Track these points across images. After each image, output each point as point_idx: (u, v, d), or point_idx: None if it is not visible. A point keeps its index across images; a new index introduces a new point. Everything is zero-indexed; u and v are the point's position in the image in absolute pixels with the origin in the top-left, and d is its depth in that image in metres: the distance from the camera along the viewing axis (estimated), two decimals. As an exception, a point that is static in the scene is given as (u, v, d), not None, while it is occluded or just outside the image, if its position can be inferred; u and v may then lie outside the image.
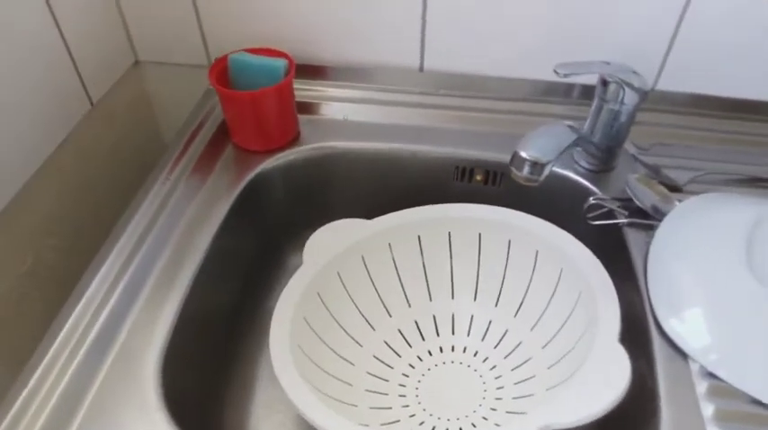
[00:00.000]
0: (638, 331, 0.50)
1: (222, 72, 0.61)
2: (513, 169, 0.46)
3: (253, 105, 0.60)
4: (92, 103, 0.66)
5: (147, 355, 0.46)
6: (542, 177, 0.45)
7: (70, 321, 0.48)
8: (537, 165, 0.44)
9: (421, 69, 0.69)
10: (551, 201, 0.62)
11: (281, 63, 0.59)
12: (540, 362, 0.55)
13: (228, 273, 0.60)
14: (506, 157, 0.63)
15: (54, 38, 0.60)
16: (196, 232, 0.55)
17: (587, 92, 0.69)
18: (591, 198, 0.56)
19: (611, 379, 0.43)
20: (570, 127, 0.48)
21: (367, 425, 0.51)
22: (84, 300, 0.49)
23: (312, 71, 0.71)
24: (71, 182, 0.65)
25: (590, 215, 0.56)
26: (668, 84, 0.67)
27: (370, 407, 0.54)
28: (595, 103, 0.58)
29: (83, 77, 0.64)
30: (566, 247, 0.55)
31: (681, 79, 0.66)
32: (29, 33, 0.56)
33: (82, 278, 0.51)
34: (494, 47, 0.67)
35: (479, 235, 0.60)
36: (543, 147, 0.45)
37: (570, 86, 0.69)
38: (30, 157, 0.58)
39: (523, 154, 0.45)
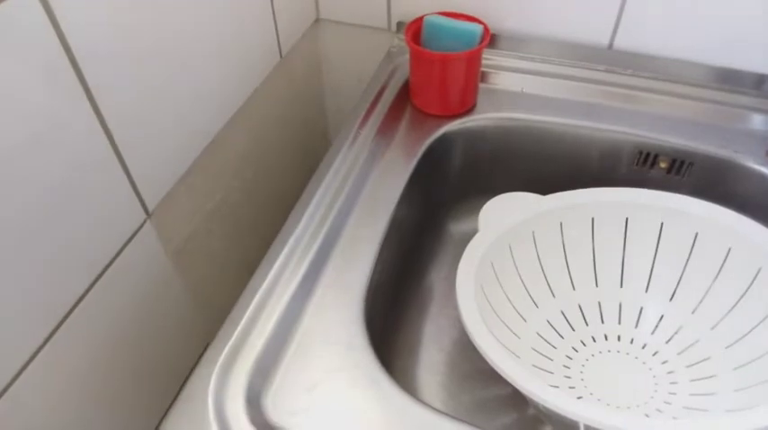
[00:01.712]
0: None
1: (416, 32, 0.61)
2: None
3: (443, 68, 0.60)
4: (281, 56, 0.69)
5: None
6: None
7: (274, 270, 0.50)
8: None
9: (610, 47, 0.67)
10: (739, 200, 0.58)
11: (476, 29, 0.59)
12: (722, 363, 0.52)
13: (402, 237, 0.61)
14: (696, 145, 0.61)
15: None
16: (381, 197, 0.57)
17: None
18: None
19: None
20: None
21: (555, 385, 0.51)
22: (281, 257, 0.51)
23: (493, 39, 0.69)
24: (256, 129, 0.68)
25: (797, 216, 0.52)
26: None
27: (533, 365, 0.54)
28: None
29: (278, 30, 0.67)
30: (763, 244, 0.51)
31: None
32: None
33: (278, 236, 0.52)
34: (694, 30, 0.63)
35: (661, 224, 0.58)
36: None
37: (762, 78, 0.64)
38: (229, 102, 0.61)
39: None
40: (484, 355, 0.45)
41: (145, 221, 0.51)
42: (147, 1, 0.46)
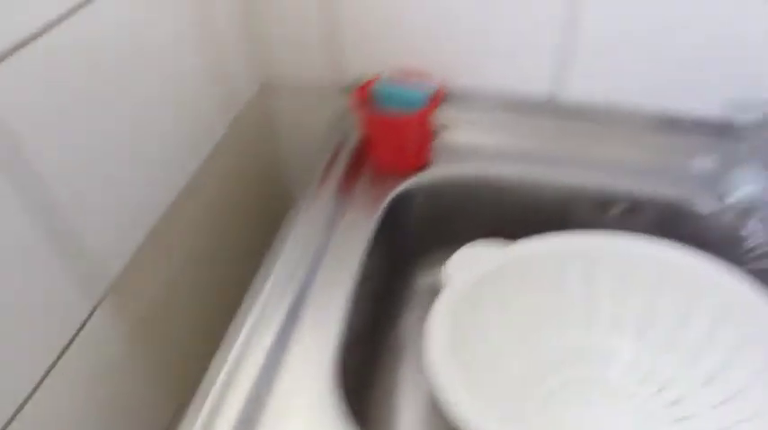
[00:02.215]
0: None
1: (366, 96, 0.61)
2: (715, 215, 0.44)
3: (397, 130, 0.60)
4: (227, 125, 0.67)
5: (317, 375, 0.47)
6: (745, 231, 0.43)
7: (242, 336, 0.49)
8: (743, 214, 0.42)
9: (555, 97, 0.69)
10: (694, 242, 0.60)
11: (426, 89, 0.59)
12: (700, 400, 0.52)
13: (368, 295, 0.60)
14: (647, 190, 0.63)
15: (197, 59, 0.61)
16: (346, 257, 0.56)
17: (722, 126, 0.66)
18: (750, 239, 0.53)
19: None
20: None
21: None
22: (247, 325, 0.50)
23: (444, 94, 0.70)
24: (210, 198, 0.66)
25: (750, 256, 0.54)
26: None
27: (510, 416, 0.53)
28: (752, 141, 0.56)
29: (222, 100, 0.65)
30: (727, 283, 0.52)
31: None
32: (175, 56, 0.58)
33: (243, 302, 0.51)
34: (632, 75, 0.66)
35: (626, 267, 0.58)
36: (751, 194, 0.42)
37: (705, 119, 0.67)
38: (176, 177, 0.59)
39: (731, 200, 0.43)
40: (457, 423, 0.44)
41: (97, 306, 0.48)
42: (83, 86, 0.44)
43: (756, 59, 0.62)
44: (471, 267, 0.57)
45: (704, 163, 0.58)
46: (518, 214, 0.66)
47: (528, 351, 0.58)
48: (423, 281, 0.70)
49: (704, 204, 0.60)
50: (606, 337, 0.59)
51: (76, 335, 0.46)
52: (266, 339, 0.49)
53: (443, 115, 0.70)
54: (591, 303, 0.59)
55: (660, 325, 0.57)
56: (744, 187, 0.43)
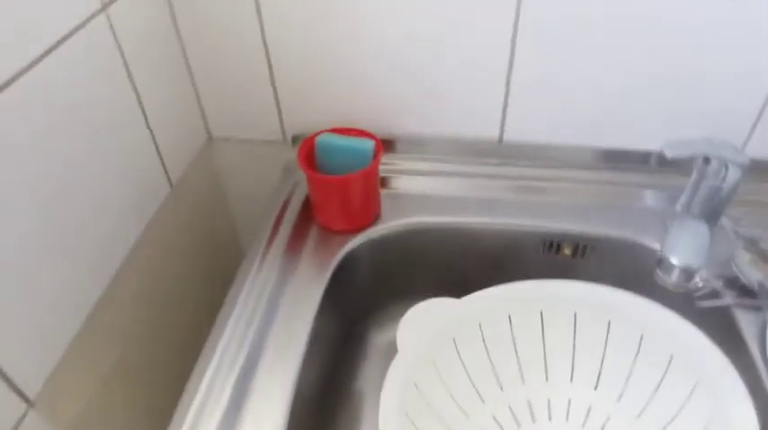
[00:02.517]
0: (765, 424, 0.47)
1: (309, 153, 0.60)
2: (661, 274, 0.44)
3: (341, 189, 0.59)
4: (171, 186, 0.66)
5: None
6: (691, 284, 0.43)
7: (192, 410, 0.48)
8: (687, 272, 0.43)
9: (501, 140, 0.69)
10: (645, 277, 0.60)
11: (368, 145, 0.59)
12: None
13: (322, 355, 0.59)
14: (595, 229, 0.63)
15: (137, 118, 0.60)
16: (296, 318, 0.55)
17: (663, 160, 0.66)
18: (698, 278, 0.54)
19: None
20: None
21: None
22: (199, 393, 0.49)
23: (387, 144, 0.70)
24: (151, 268, 0.64)
25: (697, 295, 0.54)
26: (755, 151, 0.65)
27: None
28: (694, 178, 0.56)
29: (163, 159, 0.64)
30: (675, 330, 0.52)
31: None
32: (115, 118, 0.56)
33: (193, 370, 0.50)
34: (572, 114, 0.66)
35: (575, 314, 0.58)
36: (692, 251, 0.43)
37: (647, 154, 0.68)
38: (117, 250, 0.57)
39: (674, 260, 0.43)
40: None
41: (26, 412, 0.45)
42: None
43: (692, 97, 0.63)
44: (423, 328, 0.56)
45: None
46: (471, 261, 0.66)
47: (485, 407, 0.58)
48: (379, 338, 0.69)
49: (651, 241, 0.61)
50: (561, 389, 0.59)
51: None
52: (215, 416, 0.47)
53: (391, 165, 0.70)
54: (544, 354, 0.59)
55: (613, 375, 0.57)
56: (684, 250, 0.43)
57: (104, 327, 0.55)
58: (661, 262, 0.44)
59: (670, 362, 0.53)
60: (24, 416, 0.45)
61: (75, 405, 0.51)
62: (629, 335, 0.56)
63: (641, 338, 0.55)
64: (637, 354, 0.55)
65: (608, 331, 0.57)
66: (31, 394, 0.46)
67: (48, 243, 0.47)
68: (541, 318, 0.59)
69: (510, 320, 0.59)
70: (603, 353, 0.57)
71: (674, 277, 0.43)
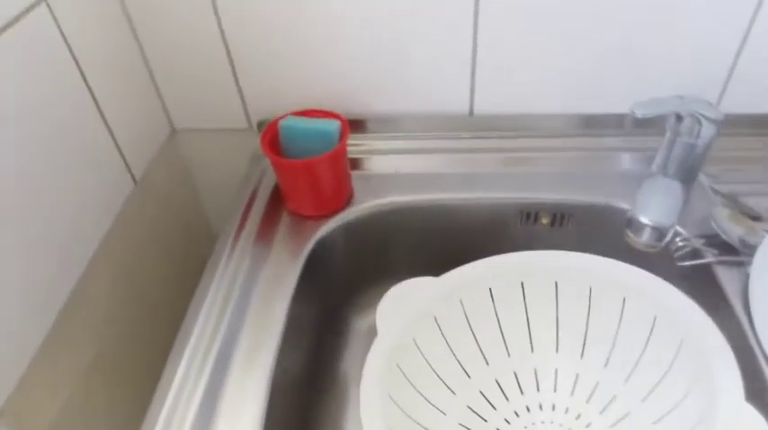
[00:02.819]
0: (751, 379, 0.46)
1: (273, 138, 0.58)
2: (631, 235, 0.43)
3: (308, 173, 0.57)
4: (135, 181, 0.64)
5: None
6: (663, 243, 0.42)
7: (166, 406, 0.46)
8: (659, 231, 0.42)
9: (471, 113, 0.67)
10: (625, 242, 0.59)
11: (334, 125, 0.57)
12: (642, 418, 0.52)
13: (302, 341, 0.58)
14: (571, 197, 0.62)
15: (93, 115, 0.57)
16: (270, 305, 0.53)
17: (638, 122, 0.66)
18: (677, 239, 0.53)
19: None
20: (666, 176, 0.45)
21: None
22: (174, 385, 0.48)
23: (357, 125, 0.68)
24: (123, 264, 0.62)
25: (677, 255, 0.53)
26: (730, 106, 0.64)
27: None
28: (668, 137, 0.55)
29: (124, 155, 0.62)
30: (656, 292, 0.51)
31: (742, 101, 0.64)
32: (68, 116, 0.54)
33: (167, 362, 0.49)
34: (542, 83, 0.65)
35: (555, 283, 0.57)
36: (664, 209, 0.42)
37: (621, 117, 0.67)
38: (83, 248, 0.55)
39: (643, 219, 0.42)
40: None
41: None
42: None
43: (663, 57, 0.62)
44: (402, 309, 0.55)
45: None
46: (448, 238, 0.64)
47: (471, 383, 0.57)
48: (360, 322, 0.68)
49: (628, 205, 0.60)
50: (548, 359, 0.58)
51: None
52: (191, 409, 0.46)
53: (362, 146, 0.68)
54: (528, 325, 0.58)
55: (598, 342, 0.56)
56: (655, 209, 0.42)
57: (77, 327, 0.54)
58: (630, 222, 0.43)
59: (654, 324, 0.52)
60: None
61: (49, 409, 0.50)
62: (611, 301, 0.55)
63: (623, 302, 0.54)
64: (620, 319, 0.55)
65: (590, 298, 0.56)
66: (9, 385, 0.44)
67: (10, 246, 0.46)
68: (522, 290, 0.58)
69: (491, 294, 0.58)
70: (587, 321, 0.57)
71: (645, 237, 0.42)
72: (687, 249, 0.54)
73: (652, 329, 0.52)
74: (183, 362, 0.49)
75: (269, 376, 0.48)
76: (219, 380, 0.48)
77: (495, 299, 0.58)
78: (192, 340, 0.51)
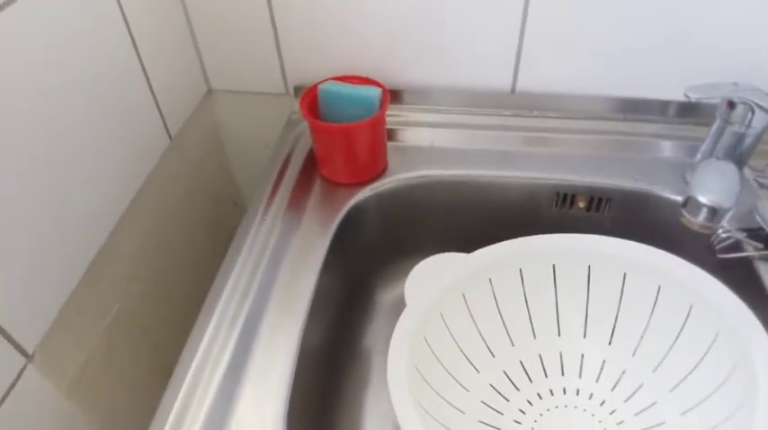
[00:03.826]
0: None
1: (312, 102, 0.58)
2: (687, 214, 0.42)
3: (346, 138, 0.56)
4: (170, 137, 0.63)
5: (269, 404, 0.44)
6: (719, 226, 0.41)
7: (191, 371, 0.46)
8: (716, 212, 0.40)
9: (513, 91, 0.66)
10: (663, 231, 0.58)
11: (374, 93, 0.56)
12: (669, 407, 0.51)
13: (329, 311, 0.57)
14: (611, 182, 0.61)
15: (136, 71, 0.57)
16: (300, 273, 0.53)
17: (683, 109, 0.65)
18: (720, 230, 0.51)
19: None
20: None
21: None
22: (201, 350, 0.47)
23: (394, 95, 0.67)
24: (151, 222, 0.62)
25: (718, 247, 0.52)
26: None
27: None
28: (717, 124, 0.53)
29: (161, 109, 0.61)
30: (693, 280, 0.50)
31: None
32: (114, 71, 0.54)
33: (194, 327, 0.48)
34: (591, 63, 0.63)
35: (588, 267, 0.56)
36: (723, 190, 0.40)
37: (665, 103, 0.65)
38: (117, 202, 0.56)
39: (702, 198, 0.41)
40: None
41: (25, 366, 0.44)
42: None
43: (715, 47, 0.60)
44: (431, 283, 0.54)
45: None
46: (481, 216, 0.63)
47: (495, 363, 0.56)
48: (385, 295, 0.67)
49: (670, 193, 0.58)
50: (574, 344, 0.57)
51: (7, 394, 0.43)
52: (218, 372, 0.46)
53: (398, 117, 0.67)
54: (556, 309, 0.57)
55: (628, 329, 0.55)
56: (712, 187, 0.40)
57: (103, 281, 0.54)
58: (687, 201, 0.42)
59: (689, 314, 0.51)
60: (23, 370, 0.44)
61: (74, 359, 0.50)
62: (644, 288, 0.54)
63: (658, 290, 0.53)
64: (653, 307, 0.54)
65: (623, 284, 0.55)
66: (29, 348, 0.45)
67: (47, 193, 0.46)
68: (554, 273, 0.57)
69: (521, 275, 0.57)
70: (618, 307, 0.56)
71: (702, 217, 0.41)
72: (729, 241, 0.53)
73: (686, 319, 0.51)
74: (211, 326, 0.49)
75: (298, 342, 0.48)
76: (248, 345, 0.48)
77: (525, 279, 0.57)
78: (220, 304, 0.50)
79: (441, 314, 0.55)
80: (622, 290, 0.55)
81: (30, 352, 0.45)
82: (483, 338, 0.57)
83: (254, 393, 0.45)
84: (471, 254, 0.57)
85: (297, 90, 0.69)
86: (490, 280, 0.58)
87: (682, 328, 0.52)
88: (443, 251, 0.58)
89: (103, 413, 0.54)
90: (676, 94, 0.64)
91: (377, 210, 0.61)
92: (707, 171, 0.42)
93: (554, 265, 0.57)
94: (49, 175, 0.46)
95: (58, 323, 0.48)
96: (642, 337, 0.55)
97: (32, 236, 0.45)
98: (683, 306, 0.51)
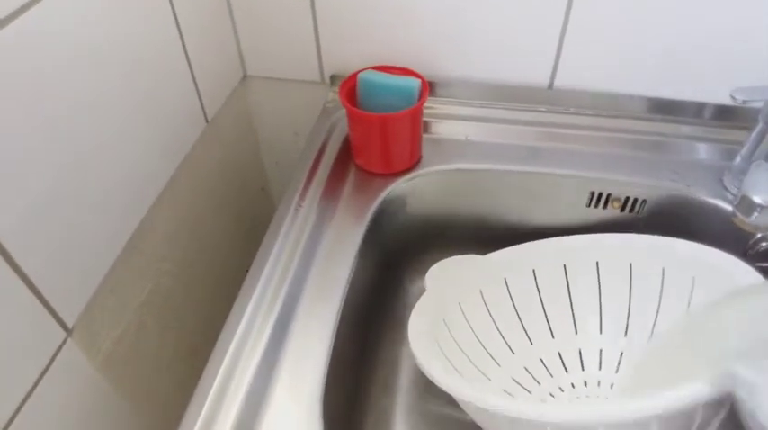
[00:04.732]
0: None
1: (351, 90, 0.58)
2: (739, 214, 0.42)
3: (384, 127, 0.56)
4: (207, 121, 0.64)
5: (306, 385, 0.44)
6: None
7: (228, 354, 0.46)
8: None
9: (550, 87, 0.65)
10: (698, 235, 0.57)
11: (414, 83, 0.56)
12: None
13: (362, 299, 0.57)
14: (647, 182, 0.60)
15: (178, 53, 0.57)
16: (334, 261, 0.53)
17: (719, 112, 0.64)
18: (758, 233, 0.51)
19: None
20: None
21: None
22: (238, 334, 0.47)
23: (430, 87, 0.66)
24: (186, 202, 0.63)
25: (752, 252, 0.51)
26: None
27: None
28: (759, 128, 0.53)
29: (201, 94, 0.62)
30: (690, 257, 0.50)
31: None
32: (157, 51, 0.54)
33: (231, 311, 0.48)
34: (633, 62, 0.62)
35: (596, 263, 0.57)
36: None
37: (701, 106, 0.64)
38: (153, 183, 0.56)
39: (756, 198, 0.40)
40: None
41: (65, 340, 0.45)
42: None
43: (757, 50, 0.59)
44: (449, 278, 0.56)
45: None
46: (514, 214, 0.63)
47: (515, 359, 0.56)
48: (415, 288, 0.67)
49: (706, 195, 0.58)
50: (593, 340, 0.57)
51: (49, 366, 0.44)
52: (253, 359, 0.46)
53: (432, 109, 0.67)
54: (572, 306, 0.58)
55: (641, 318, 0.55)
56: (758, 185, 0.40)
57: (140, 259, 0.54)
58: (741, 200, 0.41)
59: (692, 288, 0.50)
60: (63, 343, 0.45)
61: (108, 335, 0.51)
62: (650, 273, 0.54)
63: (663, 272, 0.52)
64: (660, 295, 0.53)
65: (630, 275, 0.55)
66: (69, 322, 0.45)
67: (86, 172, 0.46)
68: (565, 272, 0.58)
69: (534, 275, 0.58)
70: (629, 297, 0.56)
71: (754, 217, 0.41)
72: (765, 247, 0.52)
73: (691, 294, 0.50)
74: (248, 312, 0.49)
75: (333, 329, 0.48)
76: (285, 330, 0.48)
77: (539, 279, 0.58)
78: (257, 291, 0.50)
79: (459, 304, 0.56)
80: (630, 280, 0.55)
81: (69, 326, 0.45)
82: (501, 334, 0.57)
83: (290, 377, 0.45)
84: (485, 256, 0.59)
85: (333, 79, 0.69)
86: (505, 280, 0.58)
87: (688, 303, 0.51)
88: (472, 246, 0.59)
89: (132, 389, 0.55)
90: (713, 97, 0.64)
91: (410, 202, 0.61)
92: (759, 172, 0.42)
93: (564, 265, 0.58)
94: (96, 145, 0.47)
95: (95, 299, 0.48)
96: (655, 324, 0.54)
97: (73, 213, 0.45)
98: (685, 283, 0.51)
